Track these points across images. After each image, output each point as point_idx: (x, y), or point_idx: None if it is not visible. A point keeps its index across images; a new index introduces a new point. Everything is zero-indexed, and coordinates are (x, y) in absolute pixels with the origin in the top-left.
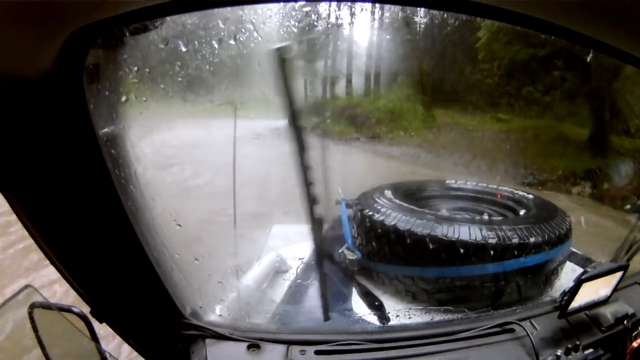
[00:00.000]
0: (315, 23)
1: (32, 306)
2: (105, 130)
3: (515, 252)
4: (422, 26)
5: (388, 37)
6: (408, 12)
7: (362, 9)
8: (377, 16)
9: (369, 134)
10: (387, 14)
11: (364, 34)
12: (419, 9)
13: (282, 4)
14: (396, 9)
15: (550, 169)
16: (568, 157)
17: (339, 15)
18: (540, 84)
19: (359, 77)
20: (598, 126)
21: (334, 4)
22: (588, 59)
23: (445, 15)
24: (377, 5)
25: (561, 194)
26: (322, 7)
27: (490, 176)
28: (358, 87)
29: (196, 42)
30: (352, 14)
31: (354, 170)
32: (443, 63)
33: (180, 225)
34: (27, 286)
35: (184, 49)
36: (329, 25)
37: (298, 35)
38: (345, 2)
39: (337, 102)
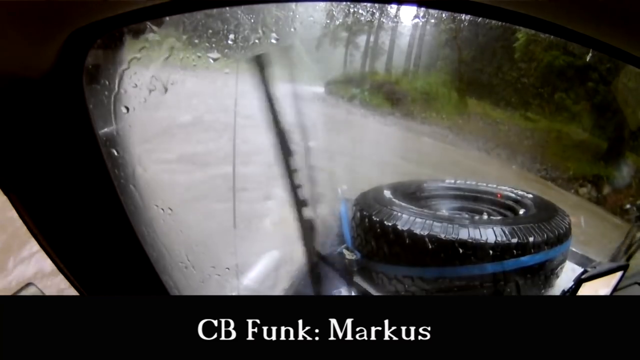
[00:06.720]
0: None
1: None
2: (105, 130)
3: (515, 251)
4: (466, 17)
5: (432, 21)
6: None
7: None
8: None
9: (404, 110)
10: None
11: (409, 15)
12: None
13: None
14: None
15: (563, 169)
16: (583, 162)
17: None
18: (573, 92)
19: (400, 56)
20: (617, 141)
21: None
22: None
23: None
24: None
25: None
26: None
27: (507, 164)
28: (398, 66)
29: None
30: None
31: (387, 138)
32: (482, 55)
33: (179, 226)
34: (29, 284)
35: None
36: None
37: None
38: (348, 1)
39: (376, 77)
